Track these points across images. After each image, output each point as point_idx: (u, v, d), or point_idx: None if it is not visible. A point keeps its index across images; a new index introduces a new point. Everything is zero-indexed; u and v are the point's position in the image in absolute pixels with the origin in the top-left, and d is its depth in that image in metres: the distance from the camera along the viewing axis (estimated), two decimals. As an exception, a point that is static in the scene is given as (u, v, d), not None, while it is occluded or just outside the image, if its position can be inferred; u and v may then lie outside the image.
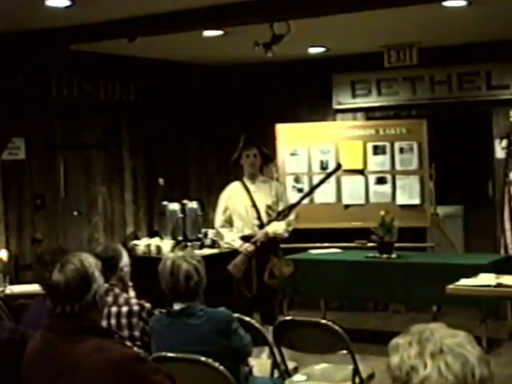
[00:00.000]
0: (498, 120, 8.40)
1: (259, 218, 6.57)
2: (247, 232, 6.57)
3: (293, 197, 7.36)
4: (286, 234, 6.62)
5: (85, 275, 2.94)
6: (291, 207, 6.65)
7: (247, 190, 6.62)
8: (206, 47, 8.01)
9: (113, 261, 4.25)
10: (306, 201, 7.38)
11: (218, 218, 6.73)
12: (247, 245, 6.50)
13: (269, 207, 6.61)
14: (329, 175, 7.44)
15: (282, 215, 6.56)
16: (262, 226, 6.55)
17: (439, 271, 7.05)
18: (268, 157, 6.86)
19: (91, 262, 3.01)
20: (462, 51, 8.38)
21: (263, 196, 6.62)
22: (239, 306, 6.31)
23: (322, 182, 7.30)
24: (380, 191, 8.63)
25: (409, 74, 8.76)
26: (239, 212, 6.61)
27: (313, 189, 7.69)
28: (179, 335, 3.93)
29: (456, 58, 8.49)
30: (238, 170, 9.62)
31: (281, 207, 6.61)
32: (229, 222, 6.66)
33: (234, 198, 6.66)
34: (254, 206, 6.57)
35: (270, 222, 6.55)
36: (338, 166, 7.57)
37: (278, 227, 6.54)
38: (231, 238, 6.62)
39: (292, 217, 6.64)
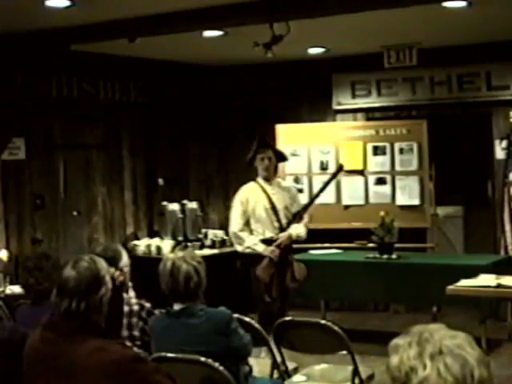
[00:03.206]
0: (497, 121, 8.40)
1: (278, 220, 6.45)
2: (268, 235, 6.43)
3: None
4: (305, 237, 6.55)
5: (97, 275, 2.99)
6: (305, 209, 6.57)
7: (265, 191, 6.49)
8: (206, 47, 8.01)
9: (112, 261, 4.25)
10: (305, 201, 7.34)
11: (236, 221, 6.51)
12: (271, 248, 6.36)
13: (286, 209, 6.50)
14: (333, 177, 7.24)
15: (298, 217, 6.47)
16: (281, 228, 6.42)
17: (439, 272, 7.05)
18: (282, 156, 6.75)
19: (104, 265, 3.08)
20: (462, 52, 8.38)
21: (281, 198, 6.51)
22: (260, 310, 6.25)
23: (327, 183, 7.14)
24: (380, 192, 8.63)
25: (409, 75, 8.76)
26: (259, 214, 6.45)
27: (320, 191, 7.36)
28: (179, 335, 3.94)
29: (456, 58, 8.49)
30: (239, 169, 9.65)
31: (295, 209, 6.52)
32: (247, 226, 6.48)
33: (252, 200, 6.49)
34: (273, 207, 6.45)
35: (289, 224, 6.44)
36: (340, 168, 7.46)
37: (299, 230, 6.45)
38: (253, 242, 6.43)
39: (307, 219, 6.55)
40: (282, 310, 6.41)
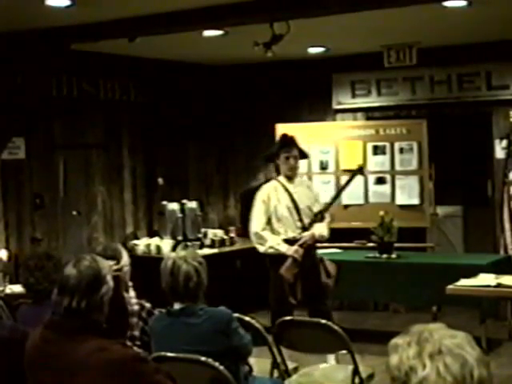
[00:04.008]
0: (497, 120, 8.40)
1: (301, 219, 6.29)
2: (290, 235, 6.27)
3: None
4: (327, 236, 6.40)
5: (98, 275, 3.00)
6: (326, 208, 6.41)
7: (287, 190, 6.32)
8: (205, 47, 8.01)
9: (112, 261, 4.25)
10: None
11: (259, 220, 6.31)
12: (295, 248, 6.18)
13: (309, 208, 6.34)
14: (353, 176, 6.98)
15: (319, 216, 6.32)
16: (303, 227, 6.27)
17: (439, 271, 7.06)
18: (304, 154, 6.54)
19: (105, 265, 3.09)
20: (462, 51, 8.38)
21: (304, 196, 6.35)
22: (285, 310, 6.14)
23: (347, 183, 6.95)
24: (379, 191, 8.63)
25: (409, 74, 8.76)
26: (282, 214, 6.28)
27: (340, 191, 7.21)
28: (179, 335, 3.94)
29: (456, 58, 8.49)
30: (238, 169, 9.65)
31: (316, 208, 6.38)
32: (269, 225, 6.30)
33: (274, 200, 6.32)
34: (296, 207, 6.29)
35: (312, 223, 6.28)
36: (361, 168, 7.21)
37: (322, 229, 6.30)
38: (276, 242, 6.24)
39: (329, 218, 6.40)
40: (322, 309, 6.20)
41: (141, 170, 9.04)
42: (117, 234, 8.73)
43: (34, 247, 7.70)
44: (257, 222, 6.33)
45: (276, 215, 6.30)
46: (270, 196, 6.34)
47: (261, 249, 6.36)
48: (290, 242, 6.24)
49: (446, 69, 8.63)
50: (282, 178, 6.39)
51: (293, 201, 6.30)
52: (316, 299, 6.29)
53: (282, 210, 6.29)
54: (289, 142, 6.43)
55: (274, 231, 6.30)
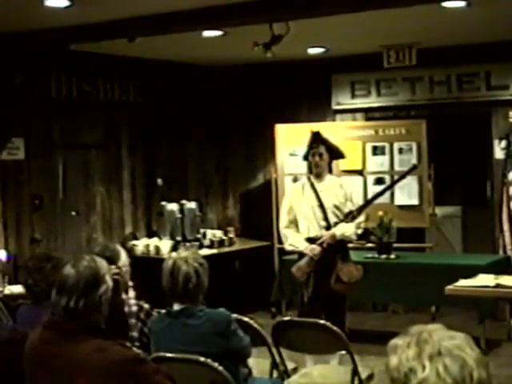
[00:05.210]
0: (497, 121, 8.40)
1: (326, 218, 6.17)
2: (313, 234, 6.17)
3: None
4: (354, 237, 6.23)
5: (96, 275, 3.00)
6: (361, 208, 6.23)
7: (314, 188, 6.23)
8: (205, 47, 8.01)
9: (110, 261, 4.23)
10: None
11: (283, 218, 6.33)
12: (313, 247, 6.08)
13: (336, 207, 6.18)
14: (403, 176, 6.89)
15: (350, 216, 6.14)
16: (328, 227, 6.14)
17: (438, 272, 7.06)
18: (337, 152, 6.44)
19: (104, 265, 3.09)
20: (462, 52, 8.38)
21: (331, 195, 6.20)
22: (303, 309, 6.09)
23: (396, 182, 6.88)
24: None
25: (408, 75, 8.76)
26: (305, 212, 6.20)
27: (385, 189, 6.95)
28: (178, 335, 3.94)
29: (455, 58, 8.49)
30: (238, 169, 9.65)
31: (348, 208, 6.19)
32: (294, 223, 6.26)
33: (299, 197, 6.26)
34: (321, 205, 6.17)
35: (337, 223, 6.13)
36: (414, 167, 7.07)
37: (346, 229, 6.11)
38: (295, 240, 6.19)
39: (362, 218, 6.21)
40: (336, 311, 6.06)
41: (140, 171, 9.04)
42: (116, 235, 8.72)
43: (33, 248, 7.70)
44: (281, 220, 6.37)
45: (300, 213, 6.25)
46: (296, 194, 6.32)
47: (284, 246, 6.47)
48: (311, 240, 6.16)
49: (445, 69, 8.63)
50: (312, 176, 6.31)
51: (318, 199, 6.19)
52: (326, 301, 6.16)
53: (306, 208, 6.21)
54: (314, 138, 6.34)
55: (298, 229, 6.27)
